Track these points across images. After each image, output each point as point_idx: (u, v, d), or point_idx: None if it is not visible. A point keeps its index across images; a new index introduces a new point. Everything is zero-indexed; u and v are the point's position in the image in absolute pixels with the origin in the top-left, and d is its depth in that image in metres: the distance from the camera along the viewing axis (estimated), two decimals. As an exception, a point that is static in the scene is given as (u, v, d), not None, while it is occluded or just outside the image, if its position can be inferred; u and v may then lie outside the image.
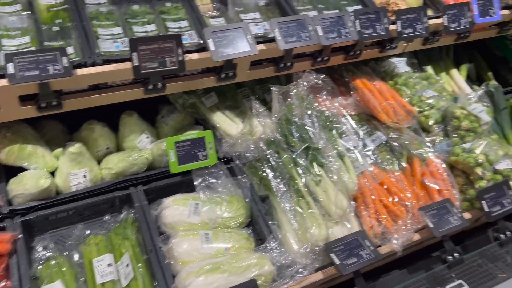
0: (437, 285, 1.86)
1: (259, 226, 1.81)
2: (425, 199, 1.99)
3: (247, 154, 1.95)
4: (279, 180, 1.81)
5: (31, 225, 1.69)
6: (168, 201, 1.77)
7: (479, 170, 1.98)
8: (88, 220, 1.81)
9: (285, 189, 1.79)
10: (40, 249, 1.64)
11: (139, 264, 1.62)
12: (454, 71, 2.65)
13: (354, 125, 2.07)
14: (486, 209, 1.92)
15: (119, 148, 2.01)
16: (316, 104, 1.97)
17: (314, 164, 1.78)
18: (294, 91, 1.86)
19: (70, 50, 1.59)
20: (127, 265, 1.63)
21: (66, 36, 1.65)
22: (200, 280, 1.49)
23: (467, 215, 1.99)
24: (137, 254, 1.67)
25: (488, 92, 2.45)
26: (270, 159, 1.81)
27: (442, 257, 1.86)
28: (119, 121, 1.97)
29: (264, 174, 1.85)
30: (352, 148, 1.96)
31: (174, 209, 1.75)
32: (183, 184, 1.90)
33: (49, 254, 1.64)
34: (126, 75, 1.62)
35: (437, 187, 1.99)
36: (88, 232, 1.74)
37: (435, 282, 1.88)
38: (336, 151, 1.86)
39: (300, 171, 1.76)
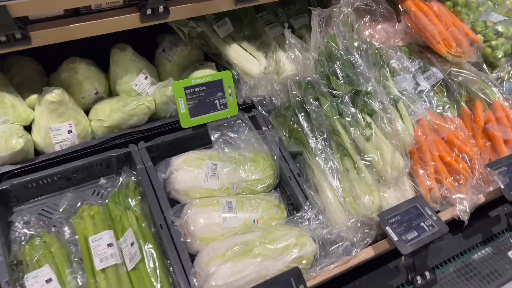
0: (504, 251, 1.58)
1: (290, 189, 1.46)
2: (489, 152, 1.64)
3: (273, 100, 1.55)
4: (316, 133, 1.43)
5: (6, 195, 1.33)
6: (178, 161, 1.41)
7: (558, 116, 1.61)
8: (78, 185, 1.45)
9: (324, 144, 1.42)
10: (20, 225, 1.31)
11: (147, 244, 1.30)
12: (518, -11, 2.16)
13: (406, 61, 1.65)
14: None
15: (111, 92, 1.60)
16: (368, 33, 1.53)
17: (364, 114, 1.39)
18: (341, 16, 1.41)
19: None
20: (132, 243, 1.30)
21: None
22: (227, 267, 1.17)
23: (538, 170, 1.66)
24: (144, 229, 1.34)
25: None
26: (307, 107, 1.42)
27: (509, 221, 1.55)
28: (109, 58, 1.53)
29: (296, 125, 1.47)
30: (406, 90, 1.56)
31: (187, 172, 1.39)
32: (195, 137, 1.52)
33: (31, 231, 1.30)
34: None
35: (504, 136, 1.63)
36: (79, 201, 1.39)
37: (500, 249, 1.59)
38: (390, 95, 1.46)
39: (346, 123, 1.38)
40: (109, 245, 1.28)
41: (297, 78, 1.45)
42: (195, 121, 1.38)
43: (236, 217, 1.33)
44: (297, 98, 1.48)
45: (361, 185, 1.34)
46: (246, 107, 1.60)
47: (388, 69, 1.53)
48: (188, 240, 1.29)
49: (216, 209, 1.33)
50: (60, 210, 1.36)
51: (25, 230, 1.30)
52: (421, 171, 1.49)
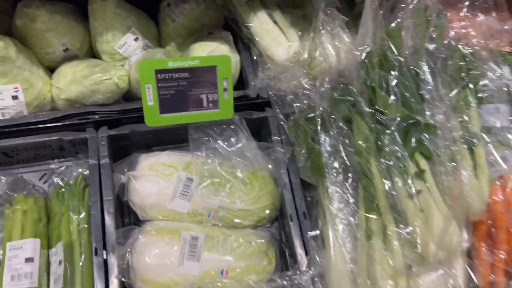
0: None
1: (289, 232, 1.05)
2: None
3: (296, 102, 1.10)
4: (339, 168, 0.98)
5: None
6: (144, 164, 1.04)
7: None
8: (25, 164, 1.15)
9: (346, 187, 0.97)
10: None
11: (80, 268, 0.97)
12: None
13: (510, 78, 1.10)
14: None
15: (94, 52, 1.23)
16: (454, 32, 1.00)
17: (418, 156, 0.91)
18: (414, 1, 0.89)
19: None
20: (60, 262, 0.99)
21: None
22: None
23: None
24: (83, 247, 1.01)
25: None
26: (332, 129, 0.96)
27: None
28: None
29: (318, 146, 1.02)
30: (495, 126, 1.03)
31: (150, 183, 1.02)
32: (178, 131, 1.13)
33: None
34: None
35: None
36: (22, 186, 1.09)
37: None
38: (466, 133, 0.96)
39: (385, 165, 0.91)
40: (28, 260, 0.98)
41: (325, 84, 0.98)
42: (166, 119, 0.98)
43: (197, 262, 0.96)
44: (327, 109, 1.02)
45: (384, 263, 0.89)
46: (259, 103, 1.17)
47: (474, 90, 1.01)
48: (124, 279, 0.95)
49: (174, 243, 0.97)
50: (-8, 194, 1.08)
51: None
52: (485, 252, 1.00)
